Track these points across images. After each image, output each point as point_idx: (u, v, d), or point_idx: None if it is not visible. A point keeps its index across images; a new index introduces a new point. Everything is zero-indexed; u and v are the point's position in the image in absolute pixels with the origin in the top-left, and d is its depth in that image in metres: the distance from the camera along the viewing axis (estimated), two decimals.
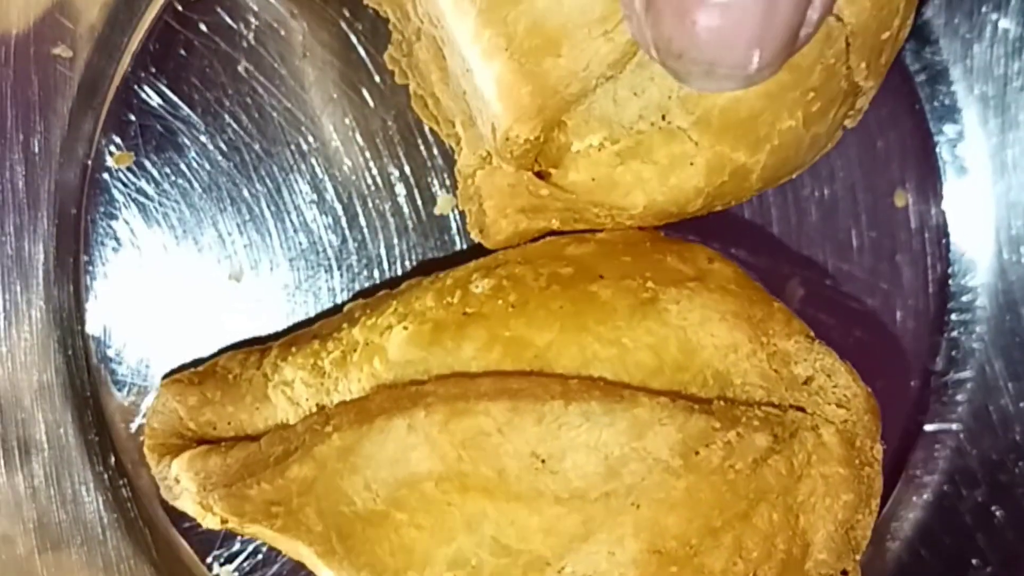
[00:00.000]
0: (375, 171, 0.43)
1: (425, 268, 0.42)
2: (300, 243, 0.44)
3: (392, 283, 0.42)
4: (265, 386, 0.39)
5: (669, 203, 0.36)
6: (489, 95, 0.34)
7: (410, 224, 0.43)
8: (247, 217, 0.43)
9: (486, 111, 0.34)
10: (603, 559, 0.34)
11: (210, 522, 0.38)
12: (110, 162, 0.43)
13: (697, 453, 0.34)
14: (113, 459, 0.44)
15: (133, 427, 0.44)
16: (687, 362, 0.35)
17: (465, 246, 0.44)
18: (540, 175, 0.36)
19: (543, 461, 0.33)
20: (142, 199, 0.43)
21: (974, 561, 0.43)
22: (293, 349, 0.39)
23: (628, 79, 0.35)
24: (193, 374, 0.41)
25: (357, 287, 0.44)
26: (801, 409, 0.36)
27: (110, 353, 0.44)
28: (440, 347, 0.36)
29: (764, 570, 0.35)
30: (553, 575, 0.34)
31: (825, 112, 0.36)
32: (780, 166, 0.37)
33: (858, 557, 0.37)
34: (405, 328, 0.36)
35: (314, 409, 0.38)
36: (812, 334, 0.36)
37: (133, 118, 0.43)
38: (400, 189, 0.43)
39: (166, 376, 0.42)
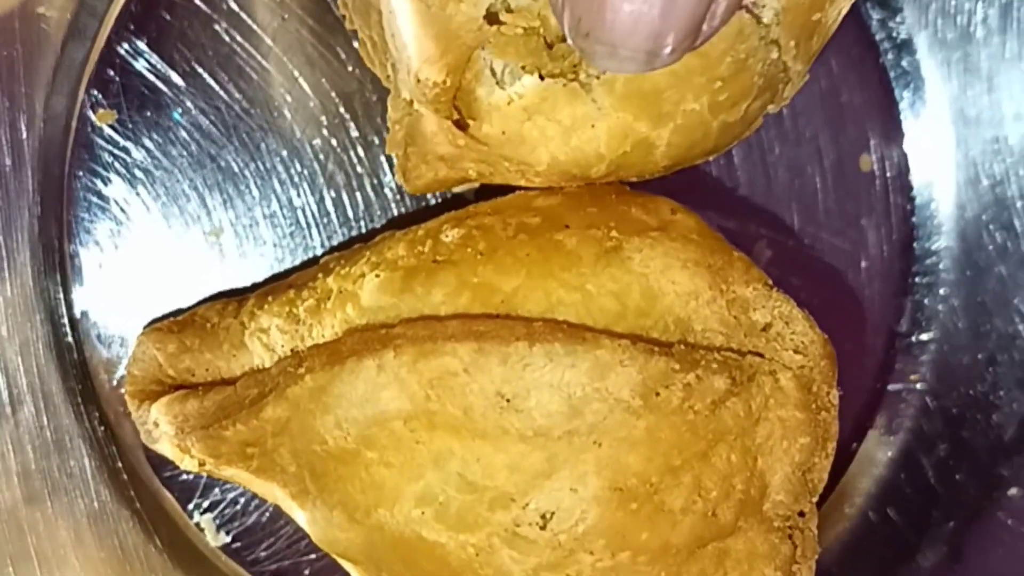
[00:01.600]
0: (352, 131, 0.44)
1: (400, 226, 0.43)
2: (278, 201, 0.45)
3: (368, 239, 0.43)
4: (242, 333, 0.40)
5: (571, 164, 0.37)
6: (404, 36, 0.35)
7: (386, 183, 0.44)
8: (227, 175, 0.44)
9: (403, 53, 0.36)
10: (566, 495, 0.35)
11: (188, 464, 0.39)
12: (93, 119, 0.44)
13: (657, 394, 0.35)
14: (96, 411, 0.45)
15: (115, 380, 0.45)
16: (649, 308, 0.36)
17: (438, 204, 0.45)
18: (460, 125, 0.37)
19: (508, 400, 0.34)
20: (124, 157, 0.44)
21: (935, 513, 0.44)
22: (269, 298, 0.40)
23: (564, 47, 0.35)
24: (172, 323, 0.42)
25: (335, 244, 0.45)
26: (759, 355, 0.37)
27: (92, 308, 0.45)
28: (410, 293, 0.37)
29: (723, 509, 0.36)
30: (517, 511, 0.35)
31: (735, 103, 0.37)
32: (687, 147, 0.38)
33: (815, 499, 0.38)
34: (377, 276, 0.38)
35: (289, 354, 0.39)
36: (771, 282, 0.37)
37: (116, 77, 0.44)
38: (376, 149, 0.44)
39: (147, 325, 0.43)
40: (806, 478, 0.38)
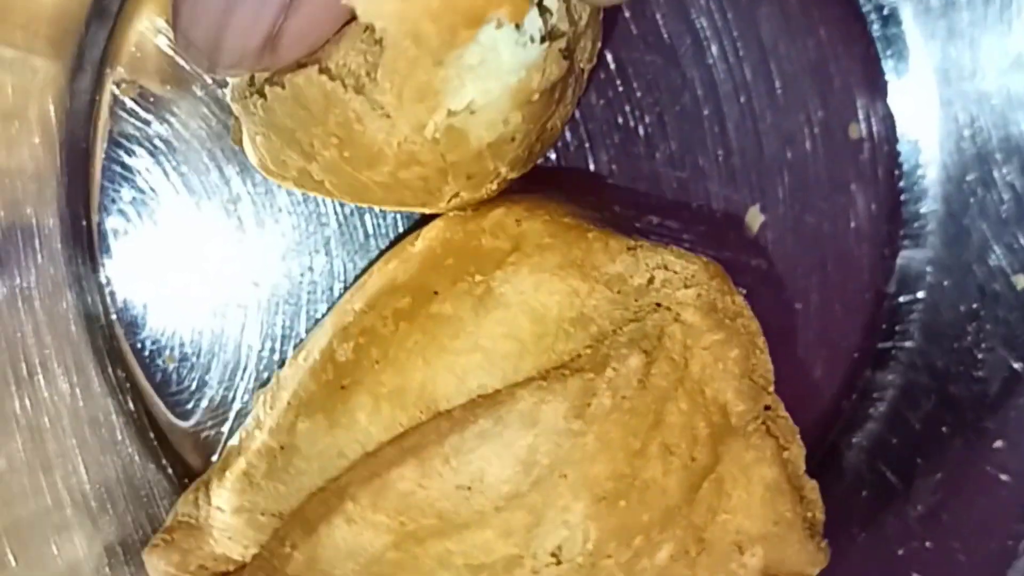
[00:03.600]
0: None
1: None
2: None
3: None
4: (224, 516, 0.42)
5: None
6: None
7: None
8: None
9: None
10: (562, 529, 0.37)
11: None
12: (117, 93, 0.46)
13: (589, 405, 0.37)
14: (123, 372, 0.48)
15: (139, 343, 0.48)
16: (543, 328, 0.38)
17: None
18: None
19: (469, 488, 0.36)
20: (147, 129, 0.46)
21: (923, 465, 0.45)
22: (227, 474, 0.42)
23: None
24: (164, 533, 0.44)
25: (346, 211, 0.47)
26: (659, 305, 0.39)
27: (117, 276, 0.48)
28: (339, 428, 0.39)
29: (698, 451, 0.38)
30: (531, 562, 0.37)
31: (370, 165, 0.36)
32: (352, 193, 0.38)
33: (771, 390, 0.40)
34: (303, 422, 0.39)
35: (272, 519, 0.41)
36: (631, 243, 0.39)
37: (137, 53, 0.46)
38: None
39: (144, 547, 0.45)
40: (754, 379, 0.40)
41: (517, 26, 0.33)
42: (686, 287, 0.39)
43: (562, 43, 0.35)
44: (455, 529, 0.37)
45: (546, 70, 0.35)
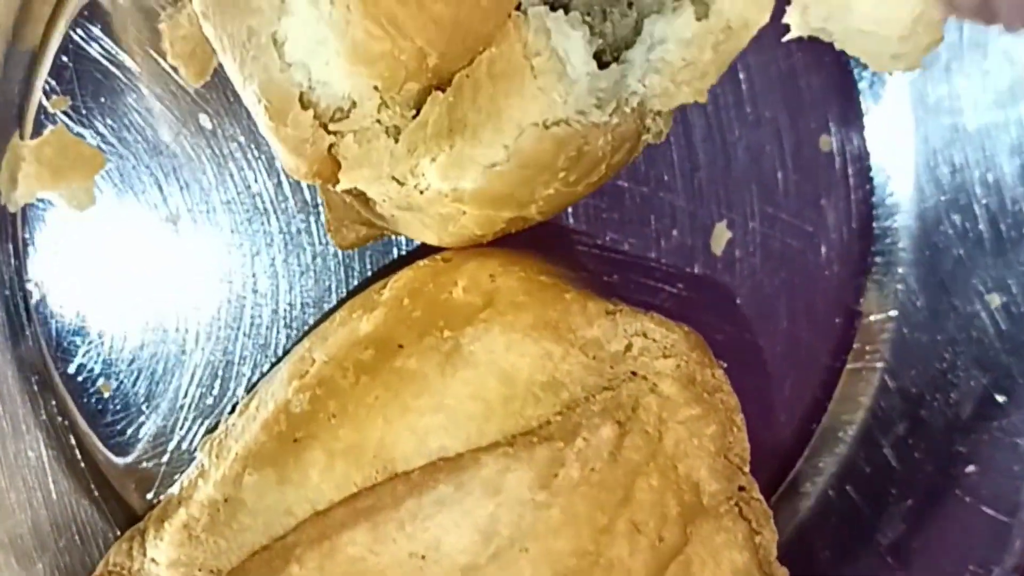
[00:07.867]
0: None
1: None
2: (235, 187, 0.44)
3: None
4: (159, 571, 0.40)
5: (456, 239, 0.38)
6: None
7: None
8: (183, 161, 0.44)
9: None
10: None
11: None
12: (47, 106, 0.44)
13: (556, 476, 0.35)
14: (53, 400, 0.45)
15: (71, 369, 0.45)
16: (511, 391, 0.36)
17: None
18: (360, 199, 0.38)
19: (423, 557, 0.34)
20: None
21: (893, 491, 0.44)
22: (166, 525, 0.39)
23: (406, 138, 0.34)
24: None
25: (293, 230, 0.44)
26: (635, 373, 0.37)
27: (48, 296, 0.45)
28: (289, 483, 0.36)
29: (667, 531, 0.36)
30: None
31: (589, 172, 0.36)
32: (559, 204, 0.37)
33: (747, 469, 0.38)
34: (251, 475, 0.37)
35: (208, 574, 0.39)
36: (611, 307, 0.37)
37: (69, 62, 0.43)
38: None
39: None
40: (730, 458, 0.38)
41: None
42: (665, 357, 0.37)
43: None
44: None
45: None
